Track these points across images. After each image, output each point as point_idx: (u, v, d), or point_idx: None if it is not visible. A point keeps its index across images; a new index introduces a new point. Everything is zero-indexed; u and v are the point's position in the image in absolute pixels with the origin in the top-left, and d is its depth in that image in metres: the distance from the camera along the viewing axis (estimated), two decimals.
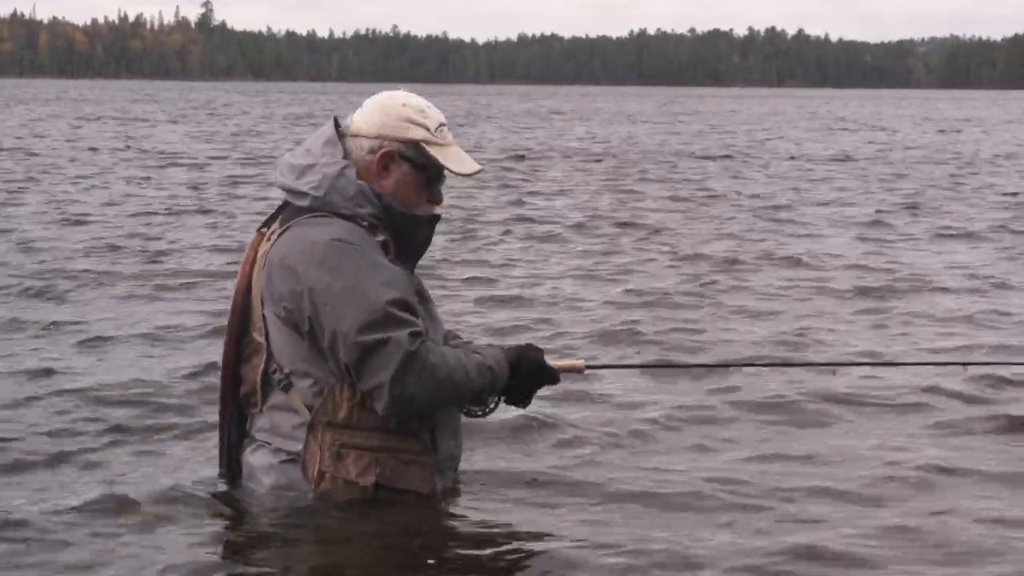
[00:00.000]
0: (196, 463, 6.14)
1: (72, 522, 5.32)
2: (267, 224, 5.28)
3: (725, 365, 9.26)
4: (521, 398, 5.34)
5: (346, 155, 5.11)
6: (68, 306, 12.03)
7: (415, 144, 5.12)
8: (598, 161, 36.96)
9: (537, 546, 5.33)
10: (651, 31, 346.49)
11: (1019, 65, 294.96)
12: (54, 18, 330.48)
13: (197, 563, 4.92)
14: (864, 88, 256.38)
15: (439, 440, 5.29)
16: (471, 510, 5.65)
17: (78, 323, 10.87)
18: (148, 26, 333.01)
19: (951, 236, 19.18)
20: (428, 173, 5.20)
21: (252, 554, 5.07)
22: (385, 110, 5.21)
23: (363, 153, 5.13)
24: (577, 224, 20.12)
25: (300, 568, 5.05)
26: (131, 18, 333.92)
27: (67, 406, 7.70)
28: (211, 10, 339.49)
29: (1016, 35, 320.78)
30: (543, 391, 5.99)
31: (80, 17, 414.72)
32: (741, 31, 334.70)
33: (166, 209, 21.85)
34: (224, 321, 5.79)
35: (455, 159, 5.24)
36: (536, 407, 6.89)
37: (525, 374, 5.19)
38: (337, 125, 5.28)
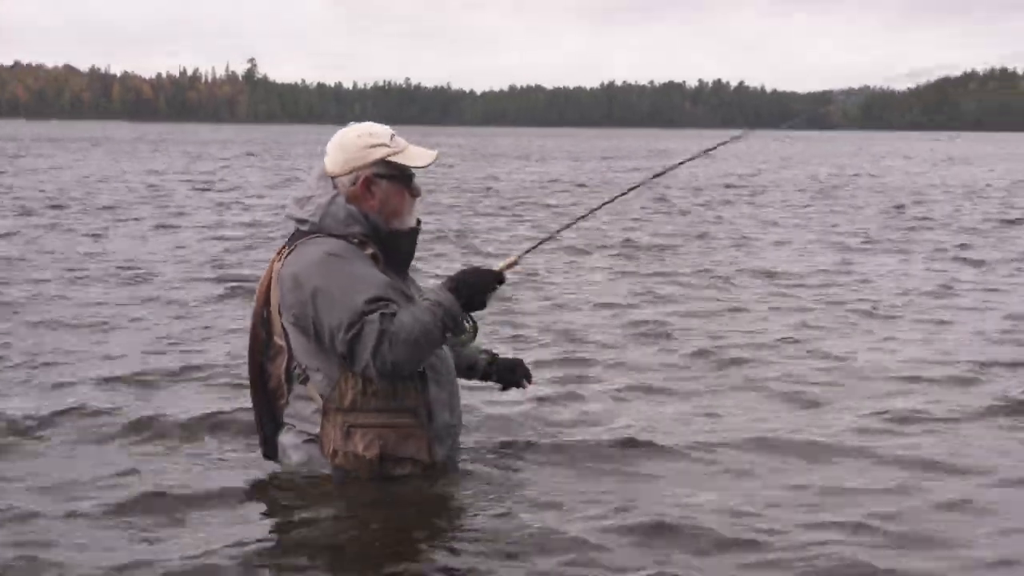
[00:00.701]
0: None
1: (140, 479, 5.55)
2: (280, 253, 5.40)
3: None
4: (478, 305, 5.24)
5: (336, 187, 5.25)
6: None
7: (382, 162, 5.23)
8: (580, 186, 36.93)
9: (524, 515, 5.27)
10: (618, 83, 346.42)
11: (920, 112, 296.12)
12: (125, 72, 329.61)
13: (239, 518, 5.09)
14: (786, 131, 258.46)
15: (435, 413, 5.34)
16: (468, 481, 5.64)
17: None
18: (203, 80, 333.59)
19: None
20: (402, 177, 5.31)
21: (281, 515, 5.17)
22: (345, 147, 5.31)
23: (347, 186, 5.22)
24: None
25: (316, 527, 5.05)
26: (189, 72, 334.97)
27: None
28: (255, 66, 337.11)
29: (917, 87, 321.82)
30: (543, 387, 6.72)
31: (147, 71, 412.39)
32: (692, 83, 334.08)
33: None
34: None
35: (416, 157, 5.34)
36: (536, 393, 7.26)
37: (467, 287, 5.13)
38: None
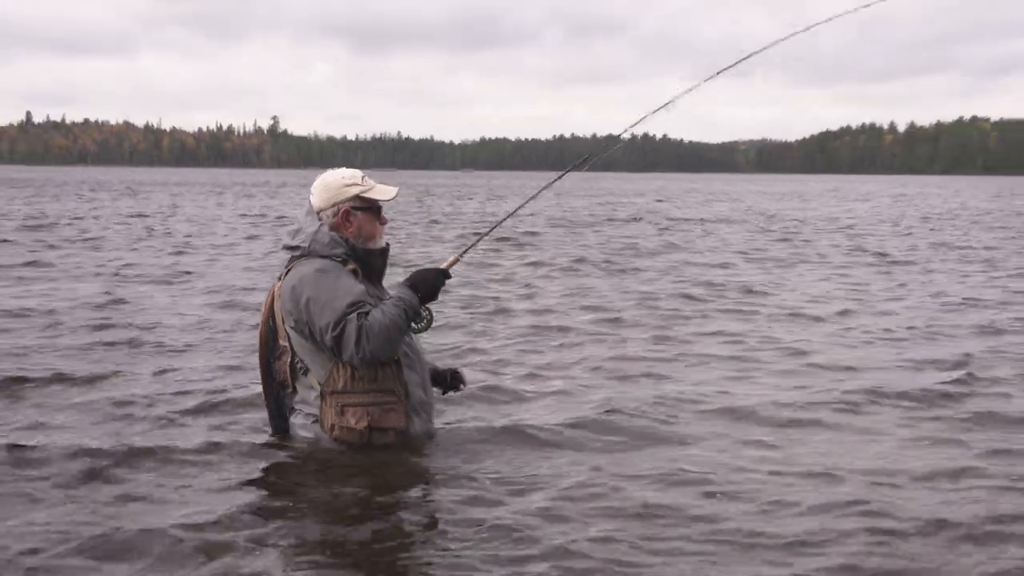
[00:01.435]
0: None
1: (156, 454, 5.41)
2: (280, 275, 5.42)
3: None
4: (431, 297, 5.25)
5: (321, 219, 5.30)
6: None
7: (357, 197, 5.29)
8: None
9: (485, 479, 5.19)
10: (568, 135, 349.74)
11: (806, 158, 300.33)
12: (173, 127, 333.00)
13: (256, 481, 5.06)
14: (706, 173, 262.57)
15: (410, 392, 5.35)
16: (442, 452, 5.55)
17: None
18: (236, 133, 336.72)
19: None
20: (373, 208, 5.36)
21: (291, 478, 5.09)
22: (327, 187, 5.35)
23: (330, 218, 5.27)
24: None
25: (319, 485, 4.98)
26: (224, 127, 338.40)
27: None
28: (278, 121, 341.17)
29: (804, 138, 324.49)
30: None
31: (190, 126, 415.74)
32: (626, 136, 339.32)
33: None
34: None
35: (382, 192, 5.38)
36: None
37: (422, 284, 5.16)
38: None
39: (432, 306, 5.24)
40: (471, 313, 11.21)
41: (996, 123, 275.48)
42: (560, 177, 7.23)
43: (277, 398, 5.53)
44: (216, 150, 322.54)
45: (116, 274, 14.77)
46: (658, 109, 6.98)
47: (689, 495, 5.03)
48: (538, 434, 6.05)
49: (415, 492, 4.98)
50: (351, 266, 5.23)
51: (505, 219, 6.94)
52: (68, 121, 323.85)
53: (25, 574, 3.93)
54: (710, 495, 5.04)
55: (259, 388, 5.70)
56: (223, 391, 7.01)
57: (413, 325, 5.18)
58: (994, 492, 5.17)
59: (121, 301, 11.58)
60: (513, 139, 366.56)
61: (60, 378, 7.38)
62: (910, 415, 6.93)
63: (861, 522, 4.68)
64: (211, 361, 8.22)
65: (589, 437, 6.12)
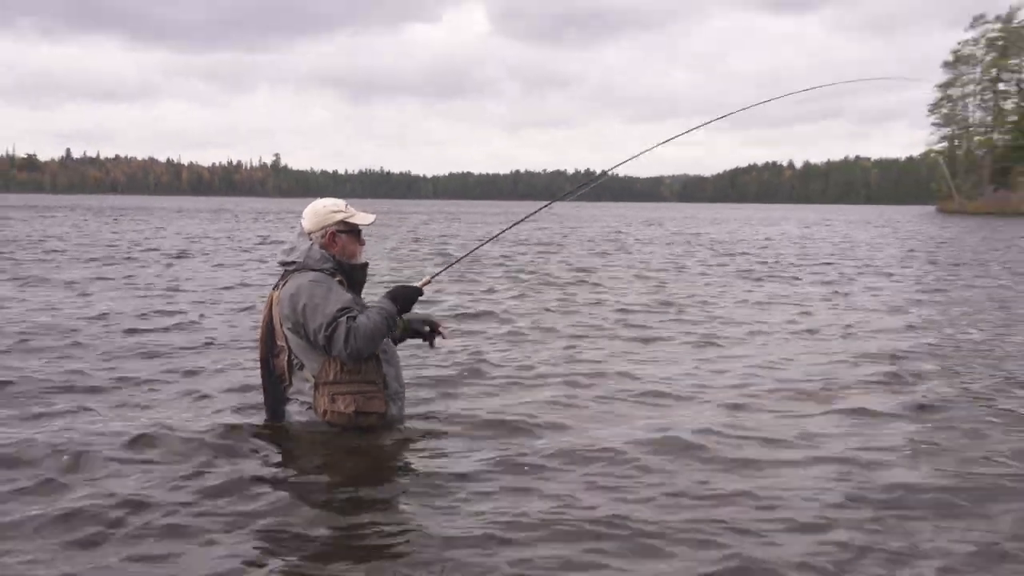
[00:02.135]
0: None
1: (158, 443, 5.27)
2: (277, 285, 5.46)
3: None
4: (407, 309, 5.38)
5: (312, 239, 5.38)
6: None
7: (341, 221, 5.38)
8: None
9: (447, 457, 5.26)
10: (523, 171, 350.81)
11: (719, 190, 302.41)
12: (191, 162, 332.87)
13: (261, 459, 5.08)
14: (635, 202, 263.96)
15: (388, 383, 5.44)
16: (416, 434, 5.58)
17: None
18: (244, 167, 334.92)
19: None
20: (354, 231, 5.45)
21: (290, 455, 5.13)
22: (316, 212, 5.42)
23: (319, 239, 5.35)
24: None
25: (314, 458, 5.05)
26: (234, 162, 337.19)
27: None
28: (279, 158, 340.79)
29: (718, 173, 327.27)
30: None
31: (206, 161, 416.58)
32: (571, 171, 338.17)
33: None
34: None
35: (362, 218, 5.48)
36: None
37: (400, 298, 5.28)
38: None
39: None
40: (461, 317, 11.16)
41: (876, 161, 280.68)
42: (546, 206, 7.12)
43: (274, 390, 5.53)
44: (227, 182, 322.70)
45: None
46: (637, 154, 6.89)
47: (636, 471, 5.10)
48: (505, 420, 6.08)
49: (396, 463, 5.11)
50: (338, 278, 5.30)
51: (478, 247, 7.11)
52: (102, 157, 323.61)
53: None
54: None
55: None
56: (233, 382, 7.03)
57: (390, 333, 5.28)
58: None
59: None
60: (476, 173, 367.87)
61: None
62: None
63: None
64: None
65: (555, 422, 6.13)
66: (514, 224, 7.13)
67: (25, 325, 9.72)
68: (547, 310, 12.20)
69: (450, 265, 6.76)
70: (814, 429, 6.13)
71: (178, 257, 21.38)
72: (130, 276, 16.04)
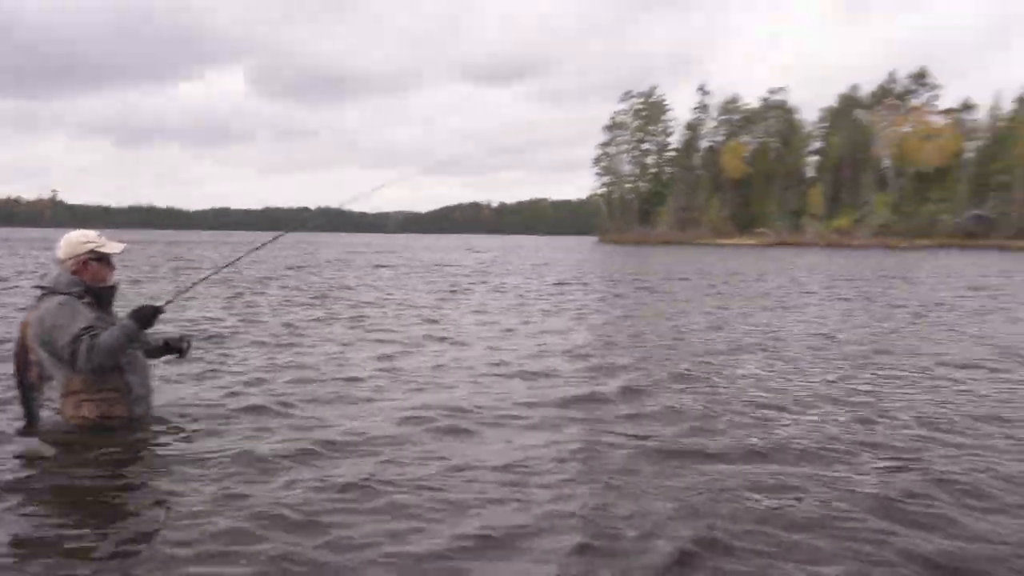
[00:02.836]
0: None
1: None
2: (31, 307, 5.18)
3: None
4: (148, 325, 5.12)
5: (64, 267, 5.13)
6: None
7: (91, 250, 5.16)
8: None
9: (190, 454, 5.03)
10: (271, 207, 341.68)
11: (433, 222, 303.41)
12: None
13: (16, 456, 4.75)
14: (364, 233, 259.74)
15: (132, 388, 5.20)
16: (157, 433, 5.24)
17: None
18: (23, 202, 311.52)
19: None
20: (104, 259, 5.23)
21: (39, 454, 4.83)
22: (69, 242, 5.17)
23: (71, 265, 5.13)
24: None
25: (60, 456, 4.77)
26: (14, 198, 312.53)
27: None
28: (56, 193, 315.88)
29: (432, 210, 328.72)
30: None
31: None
32: (313, 206, 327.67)
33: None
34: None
35: (112, 247, 5.22)
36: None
37: (141, 316, 5.03)
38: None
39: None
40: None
41: (553, 202, 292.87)
42: (276, 238, 6.97)
43: (29, 399, 5.31)
44: (8, 214, 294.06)
45: None
46: (362, 194, 6.90)
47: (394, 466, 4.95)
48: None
49: (137, 456, 4.93)
50: (86, 299, 5.15)
51: (222, 268, 7.02)
52: None
53: None
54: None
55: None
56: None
57: (134, 344, 5.16)
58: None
59: None
60: (234, 208, 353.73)
61: None
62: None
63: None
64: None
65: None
66: (255, 248, 6.72)
67: None
68: (289, 324, 11.63)
69: (192, 286, 6.68)
70: (527, 404, 6.53)
71: None
72: None
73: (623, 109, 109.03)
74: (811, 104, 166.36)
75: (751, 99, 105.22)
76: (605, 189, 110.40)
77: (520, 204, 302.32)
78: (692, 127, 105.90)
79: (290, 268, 28.78)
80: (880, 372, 8.66)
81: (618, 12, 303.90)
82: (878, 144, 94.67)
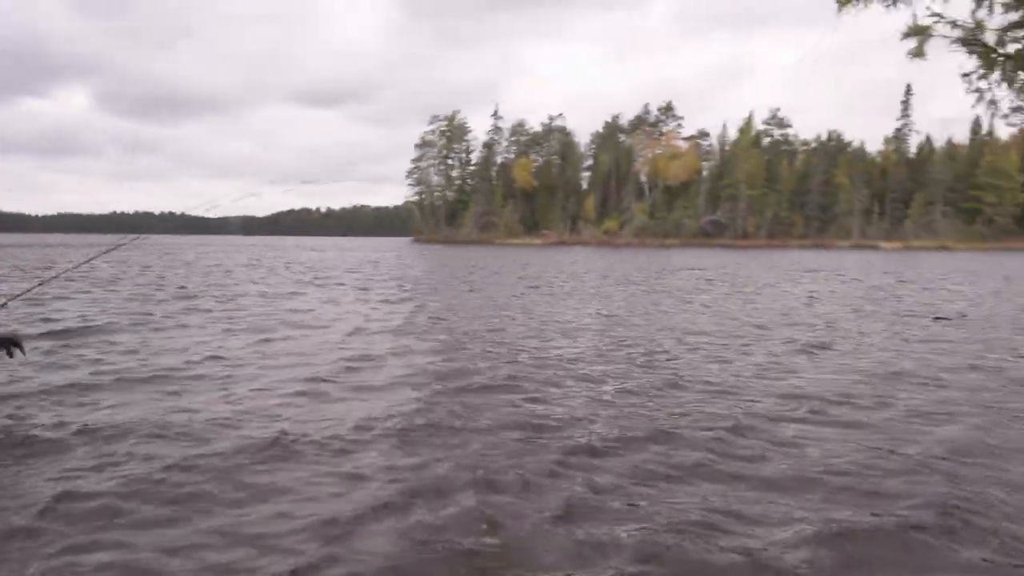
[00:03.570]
0: None
1: None
2: None
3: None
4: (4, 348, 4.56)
5: None
6: None
7: None
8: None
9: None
10: (118, 212, 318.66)
11: (268, 226, 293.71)
12: None
13: None
14: (210, 235, 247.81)
15: None
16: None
17: None
18: None
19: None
20: None
21: None
22: None
23: None
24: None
25: None
26: None
27: None
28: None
29: (268, 215, 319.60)
30: None
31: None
32: (157, 212, 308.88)
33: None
34: None
35: None
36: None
37: None
38: None
39: None
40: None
41: (374, 208, 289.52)
42: (132, 240, 6.56)
43: None
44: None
45: None
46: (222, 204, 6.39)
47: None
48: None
49: None
50: None
51: (66, 271, 6.79)
52: None
53: None
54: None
55: None
56: None
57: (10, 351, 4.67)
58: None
59: None
60: (84, 214, 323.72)
61: None
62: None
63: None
64: None
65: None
66: (109, 250, 6.26)
67: None
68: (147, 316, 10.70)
69: (29, 290, 6.04)
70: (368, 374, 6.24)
71: None
72: None
73: (431, 129, 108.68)
74: (584, 128, 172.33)
75: (536, 124, 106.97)
76: (417, 197, 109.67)
77: (344, 210, 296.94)
78: (488, 146, 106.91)
79: (147, 267, 27.04)
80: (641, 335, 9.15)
81: (430, 47, 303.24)
82: (636, 162, 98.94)
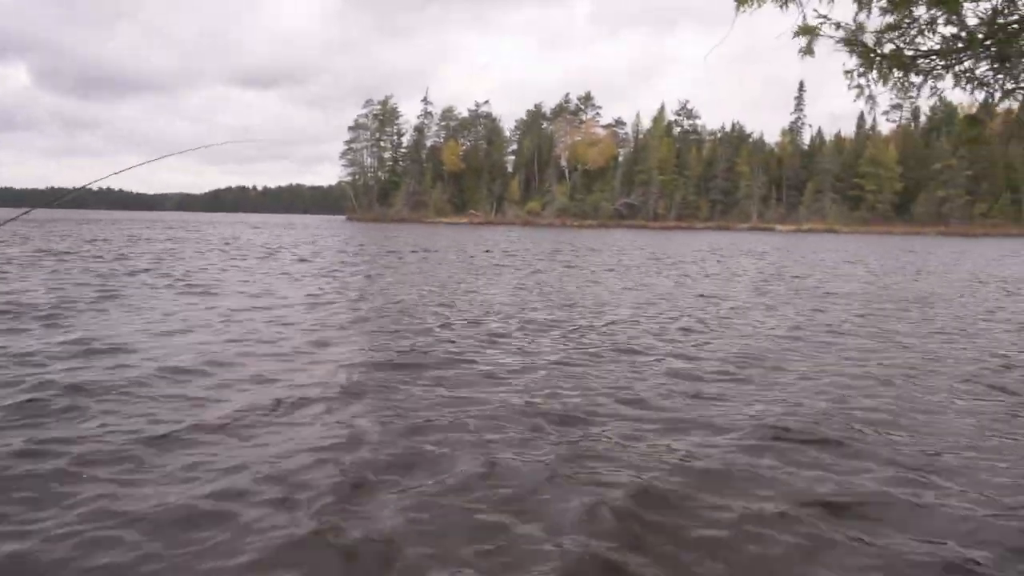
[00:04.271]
0: None
1: None
2: None
3: None
4: None
5: None
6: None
7: None
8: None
9: None
10: (56, 186, 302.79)
11: (206, 204, 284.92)
12: None
13: None
14: (144, 211, 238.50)
15: None
16: None
17: None
18: None
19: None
20: None
21: None
22: None
23: None
24: None
25: None
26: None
27: None
28: None
29: (205, 192, 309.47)
30: None
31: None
32: (96, 188, 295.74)
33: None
34: None
35: None
36: None
37: None
38: None
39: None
40: None
41: (309, 187, 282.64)
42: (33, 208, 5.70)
43: None
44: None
45: None
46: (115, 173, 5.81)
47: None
48: None
49: None
50: None
51: None
52: None
53: None
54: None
55: None
56: None
57: None
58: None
59: None
60: (20, 188, 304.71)
61: None
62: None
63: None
64: None
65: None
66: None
67: None
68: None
69: None
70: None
71: None
72: None
73: (364, 113, 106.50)
74: (511, 115, 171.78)
75: (464, 109, 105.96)
76: (351, 178, 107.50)
77: (280, 188, 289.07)
78: (419, 129, 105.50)
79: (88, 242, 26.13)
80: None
81: (364, 33, 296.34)
82: (557, 148, 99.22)
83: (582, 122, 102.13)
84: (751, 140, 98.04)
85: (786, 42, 5.26)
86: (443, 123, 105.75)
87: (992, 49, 4.59)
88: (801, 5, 5.22)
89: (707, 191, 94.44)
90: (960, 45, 4.73)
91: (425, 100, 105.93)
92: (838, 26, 5.11)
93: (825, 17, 5.11)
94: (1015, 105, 4.92)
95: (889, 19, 5.00)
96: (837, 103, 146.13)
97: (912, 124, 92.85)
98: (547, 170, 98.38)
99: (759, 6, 5.43)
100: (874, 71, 5.17)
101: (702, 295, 12.29)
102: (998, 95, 4.87)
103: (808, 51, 5.22)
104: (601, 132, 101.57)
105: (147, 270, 14.08)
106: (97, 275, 13.11)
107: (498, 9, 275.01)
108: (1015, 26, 4.41)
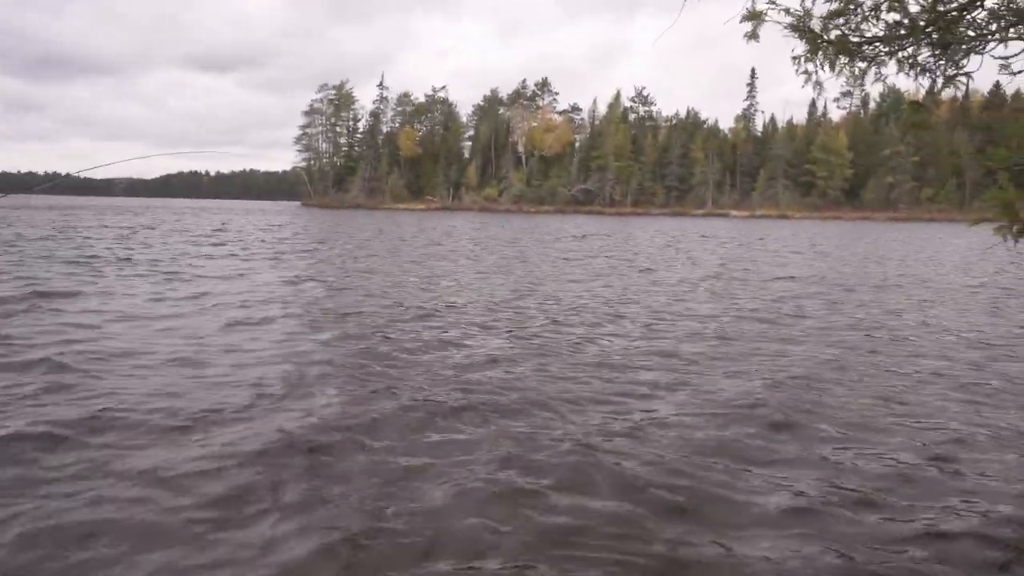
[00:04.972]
0: None
1: None
2: None
3: None
4: None
5: None
6: None
7: None
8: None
9: None
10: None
11: (158, 189, 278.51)
12: None
13: None
14: (91, 196, 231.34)
15: None
16: None
17: None
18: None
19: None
20: None
21: None
22: None
23: None
24: None
25: None
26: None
27: None
28: None
29: (156, 177, 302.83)
30: None
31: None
32: (41, 172, 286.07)
33: None
34: None
35: None
36: None
37: None
38: None
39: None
40: None
41: (264, 172, 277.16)
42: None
43: None
44: None
45: None
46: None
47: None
48: None
49: None
50: None
51: None
52: None
53: None
54: None
55: None
56: None
57: None
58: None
59: None
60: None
61: None
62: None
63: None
64: None
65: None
66: None
67: None
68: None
69: None
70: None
71: None
72: None
73: (319, 98, 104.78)
74: (467, 100, 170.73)
75: (421, 95, 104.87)
76: (306, 163, 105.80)
77: (235, 173, 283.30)
78: (375, 115, 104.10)
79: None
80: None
81: (322, 17, 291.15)
82: (514, 133, 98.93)
83: (539, 108, 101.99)
84: (706, 127, 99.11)
85: (737, 28, 5.22)
86: (399, 108, 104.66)
87: (933, 36, 4.61)
88: None
89: (663, 177, 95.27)
90: (903, 32, 4.75)
91: (381, 85, 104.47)
92: (787, 12, 5.09)
93: (773, 3, 5.09)
94: (959, 93, 4.97)
95: (835, 5, 5.00)
96: (789, 90, 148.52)
97: (862, 111, 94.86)
98: (504, 156, 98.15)
99: None
100: (821, 57, 5.17)
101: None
102: (940, 81, 4.91)
103: (753, 36, 5.19)
104: (558, 118, 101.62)
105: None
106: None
107: None
108: (955, 13, 4.43)
